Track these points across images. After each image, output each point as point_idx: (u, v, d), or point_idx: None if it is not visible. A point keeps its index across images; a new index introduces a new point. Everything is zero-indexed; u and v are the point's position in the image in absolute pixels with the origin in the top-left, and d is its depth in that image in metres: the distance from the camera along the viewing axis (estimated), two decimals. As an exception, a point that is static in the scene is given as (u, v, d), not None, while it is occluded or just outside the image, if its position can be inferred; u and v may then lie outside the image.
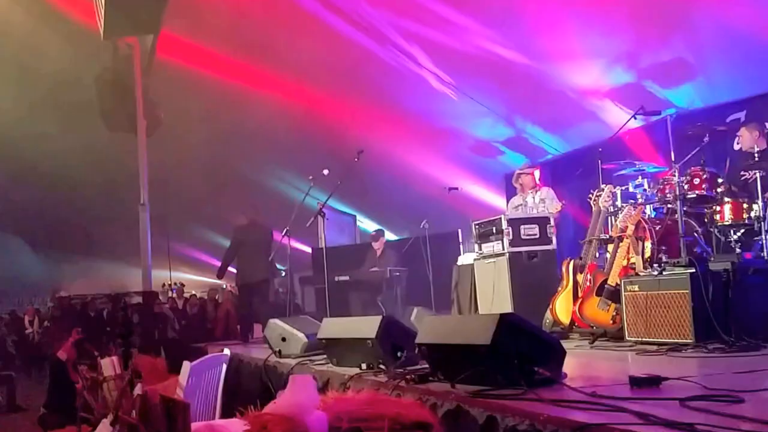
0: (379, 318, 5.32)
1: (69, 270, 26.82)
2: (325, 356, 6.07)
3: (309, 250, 16.11)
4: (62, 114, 15.27)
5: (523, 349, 3.76)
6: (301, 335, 6.88)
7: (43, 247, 25.50)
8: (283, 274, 17.85)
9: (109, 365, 5.82)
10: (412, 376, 4.34)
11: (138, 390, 4.96)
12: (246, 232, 11.42)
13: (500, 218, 8.02)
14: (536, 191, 9.14)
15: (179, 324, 19.31)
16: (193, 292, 24.17)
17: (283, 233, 9.95)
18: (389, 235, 16.59)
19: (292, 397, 2.59)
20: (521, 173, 9.39)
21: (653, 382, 3.59)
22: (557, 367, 3.93)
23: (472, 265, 8.66)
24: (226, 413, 5.63)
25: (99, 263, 26.38)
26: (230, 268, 11.95)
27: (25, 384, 14.31)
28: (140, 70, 11.84)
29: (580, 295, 7.02)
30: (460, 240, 10.83)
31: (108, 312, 19.82)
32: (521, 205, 9.26)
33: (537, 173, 9.34)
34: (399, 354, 5.05)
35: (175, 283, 22.68)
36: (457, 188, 11.59)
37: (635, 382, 3.61)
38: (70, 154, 17.12)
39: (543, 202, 8.97)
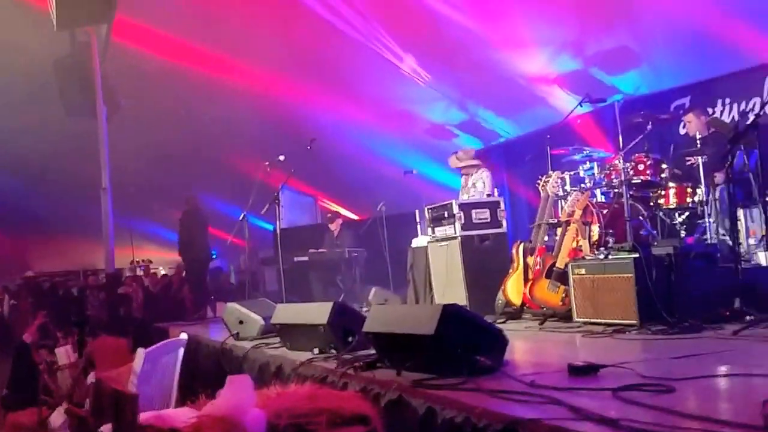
0: (330, 304, 5.40)
1: (35, 249, 26.66)
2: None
3: (273, 228, 16.24)
4: (21, 98, 15.07)
5: (466, 339, 3.86)
6: (258, 318, 7.01)
7: (8, 225, 25.17)
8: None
9: (63, 354, 5.84)
10: (360, 363, 4.42)
11: (91, 378, 5.02)
12: (187, 218, 12.70)
13: (451, 203, 8.12)
14: (475, 172, 9.24)
15: (145, 302, 19.17)
16: (161, 270, 24.16)
17: (240, 217, 10.08)
18: (352, 216, 16.71)
19: (228, 398, 2.64)
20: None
21: (591, 370, 3.70)
22: (499, 355, 4.03)
23: (426, 247, 8.77)
24: (184, 396, 5.68)
25: (65, 241, 26.11)
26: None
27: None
28: (98, 57, 11.91)
29: (530, 277, 7.14)
30: (418, 221, 10.94)
31: (78, 290, 19.82)
32: (464, 186, 9.39)
33: (456, 160, 9.39)
34: (350, 338, 5.15)
35: (143, 260, 22.53)
36: (412, 171, 11.62)
37: (573, 370, 3.71)
38: (30, 137, 16.95)
39: (474, 186, 9.11)
